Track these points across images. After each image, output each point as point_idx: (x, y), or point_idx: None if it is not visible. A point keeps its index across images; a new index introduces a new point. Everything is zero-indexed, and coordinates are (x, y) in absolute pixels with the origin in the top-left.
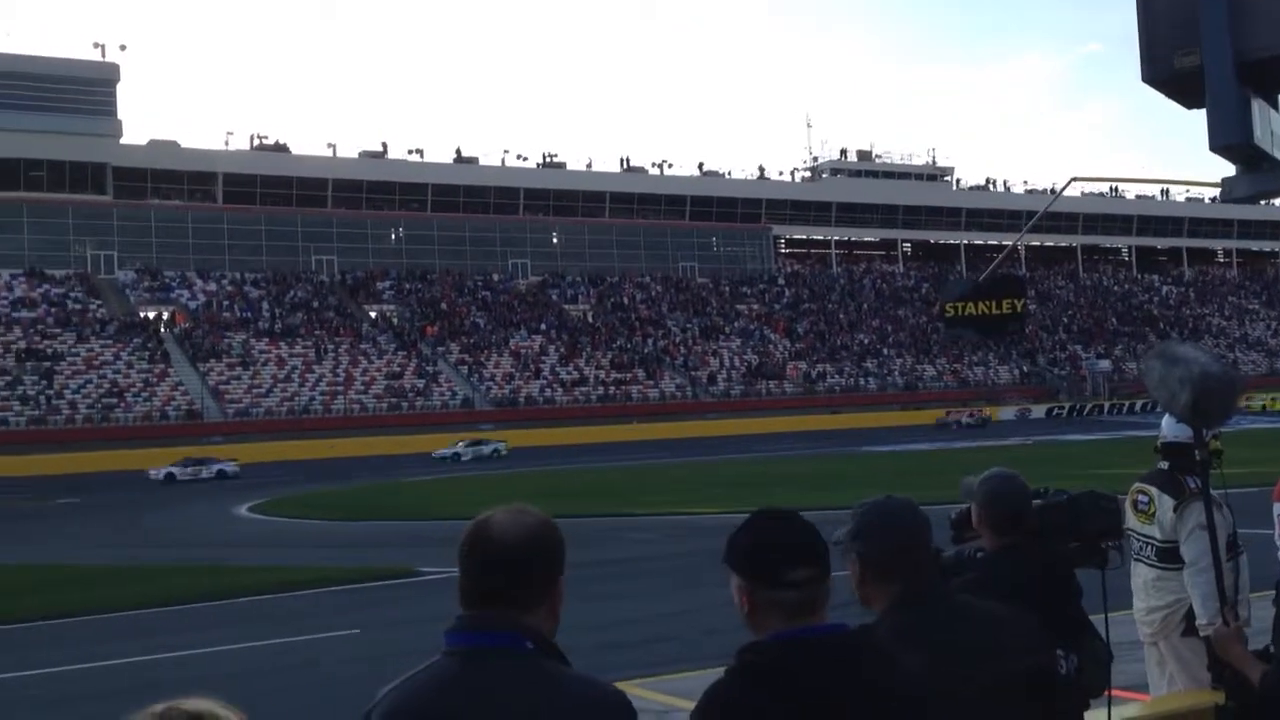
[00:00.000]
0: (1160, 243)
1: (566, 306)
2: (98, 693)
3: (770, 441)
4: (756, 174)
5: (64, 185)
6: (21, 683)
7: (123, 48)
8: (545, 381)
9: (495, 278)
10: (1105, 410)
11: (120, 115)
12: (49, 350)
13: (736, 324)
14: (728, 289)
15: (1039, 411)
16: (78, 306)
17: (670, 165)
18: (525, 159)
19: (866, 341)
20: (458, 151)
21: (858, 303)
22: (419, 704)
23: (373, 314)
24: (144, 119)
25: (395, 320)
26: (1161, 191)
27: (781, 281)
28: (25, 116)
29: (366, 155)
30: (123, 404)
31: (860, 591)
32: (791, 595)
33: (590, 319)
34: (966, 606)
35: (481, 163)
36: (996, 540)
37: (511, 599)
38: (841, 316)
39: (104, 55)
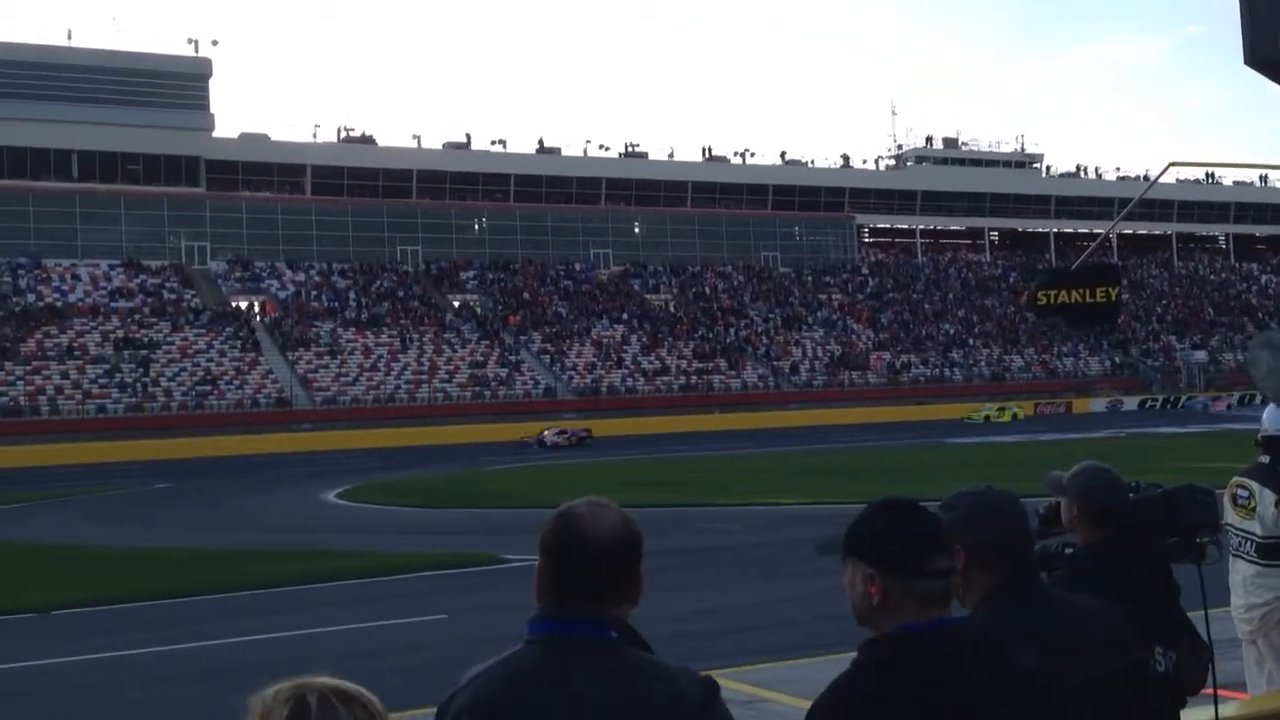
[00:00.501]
0: (1259, 230)
1: (648, 296)
2: (205, 671)
3: (854, 432)
4: (840, 162)
5: (159, 178)
6: (131, 661)
7: (215, 43)
8: (627, 371)
9: (577, 267)
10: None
11: (213, 109)
12: (145, 339)
13: (819, 314)
14: (810, 278)
15: (1131, 403)
16: (172, 296)
17: (752, 154)
18: (607, 149)
19: (952, 331)
20: (540, 142)
21: (943, 292)
22: (505, 691)
23: (456, 303)
24: (235, 113)
25: (478, 310)
26: (1260, 177)
27: (865, 271)
28: (123, 111)
29: (450, 146)
30: (216, 391)
31: (962, 583)
32: (929, 586)
33: (672, 309)
34: (1062, 601)
35: (564, 153)
36: (1093, 535)
37: (596, 591)
38: (926, 306)
39: (197, 51)
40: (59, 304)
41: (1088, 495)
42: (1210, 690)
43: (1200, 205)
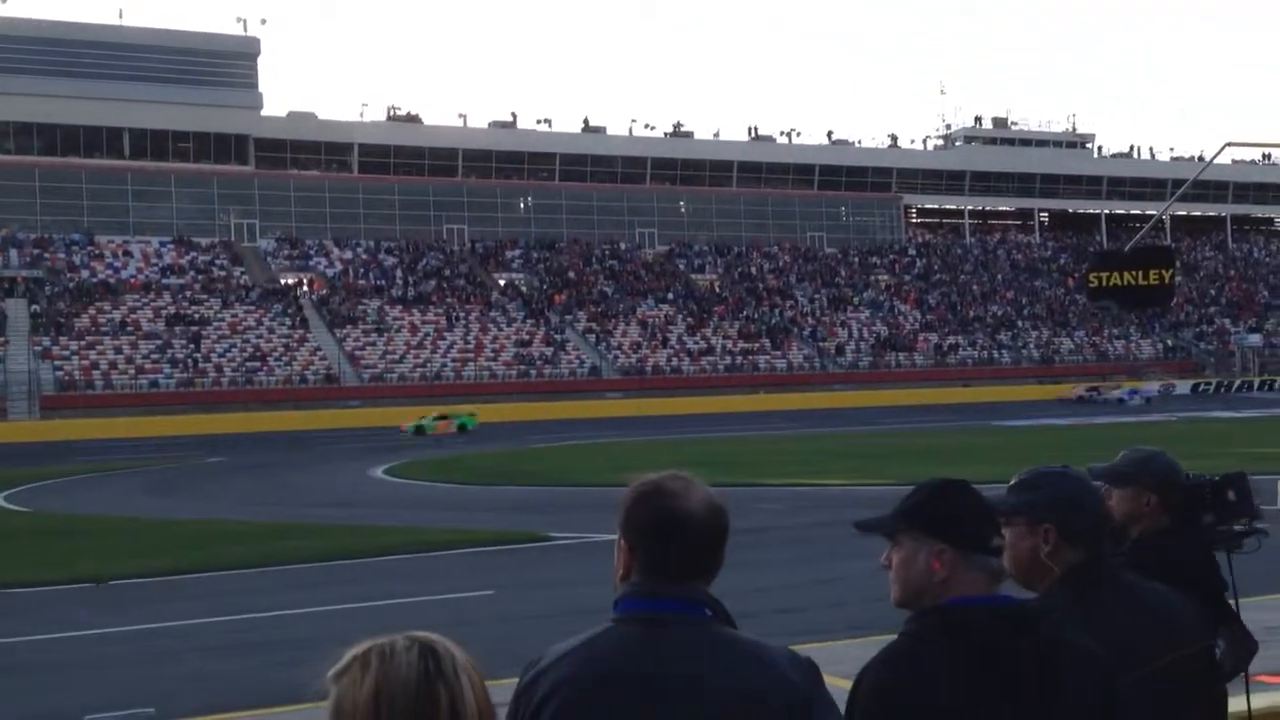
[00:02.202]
0: None
1: (694, 276)
2: (256, 642)
3: (899, 414)
4: (887, 142)
5: (209, 156)
6: (185, 631)
7: (263, 22)
8: (672, 351)
9: (623, 247)
10: (1255, 387)
11: (261, 88)
12: (196, 315)
13: (865, 295)
14: (857, 259)
15: (1184, 387)
16: (222, 273)
17: (799, 134)
18: (653, 128)
19: (1000, 313)
20: (585, 121)
21: (991, 274)
22: (601, 670)
23: (502, 282)
24: (283, 92)
25: (524, 289)
26: None
27: (912, 252)
28: (173, 89)
29: (496, 125)
30: (265, 368)
31: (1051, 562)
32: (994, 562)
33: (717, 289)
34: (1134, 585)
35: (609, 132)
36: (1159, 523)
37: (693, 568)
38: (974, 288)
39: (246, 29)
40: (112, 280)
41: (1168, 483)
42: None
43: (1256, 187)
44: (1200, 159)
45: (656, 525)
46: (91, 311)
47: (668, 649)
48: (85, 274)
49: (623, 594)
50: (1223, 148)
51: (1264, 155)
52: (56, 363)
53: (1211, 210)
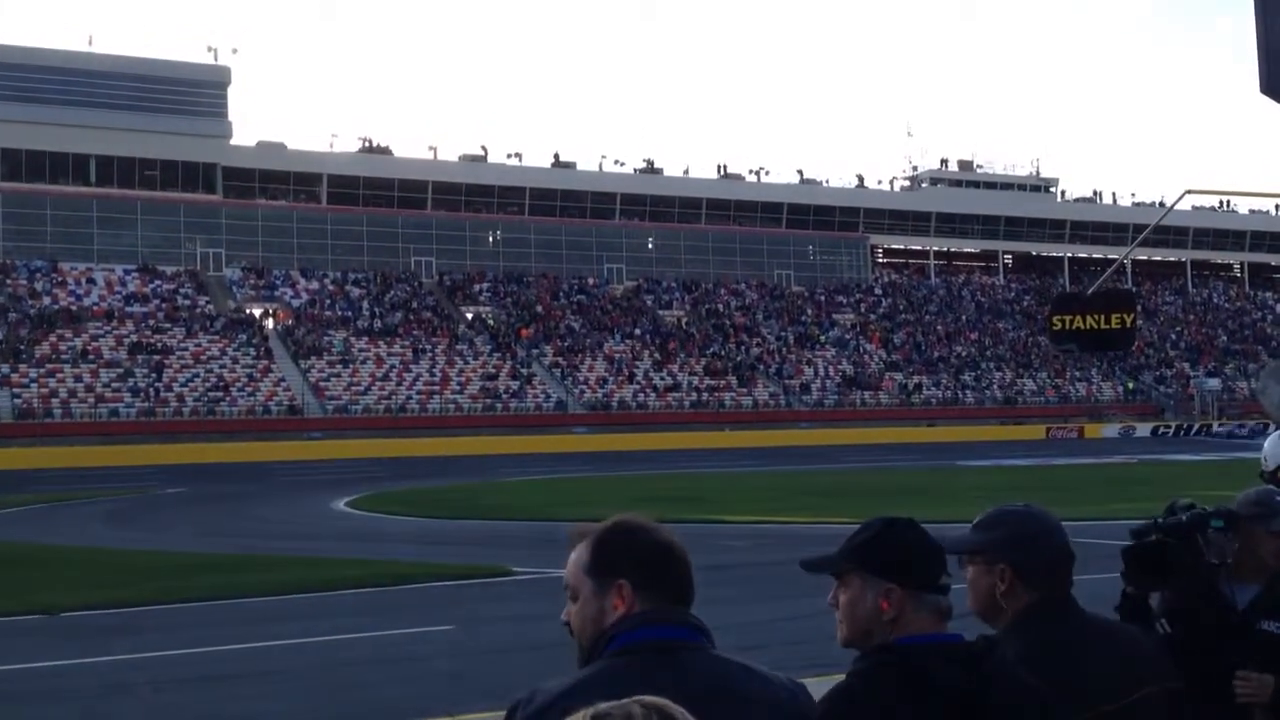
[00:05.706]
0: (1275, 259)
1: (661, 312)
2: (212, 676)
3: (864, 453)
4: (855, 182)
5: (176, 184)
6: (139, 665)
7: (234, 51)
8: (638, 386)
9: (590, 282)
10: (1214, 430)
11: (230, 117)
12: (159, 344)
13: (831, 333)
14: (823, 298)
15: (1144, 430)
16: (186, 302)
17: (767, 172)
18: (622, 164)
19: (965, 354)
20: (556, 156)
21: (956, 315)
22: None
23: (469, 315)
24: (253, 121)
25: (491, 322)
26: (1276, 206)
27: (878, 291)
28: (141, 117)
29: (466, 159)
30: (228, 398)
31: (1005, 603)
32: (943, 601)
33: (684, 325)
34: (1097, 622)
35: (579, 168)
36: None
37: (686, 596)
38: (939, 328)
39: (216, 59)
40: (74, 308)
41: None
42: None
43: (1216, 233)
44: (1161, 205)
45: (656, 557)
46: (52, 339)
47: (685, 673)
48: (47, 301)
49: (624, 627)
50: (1183, 194)
51: (1222, 203)
52: (15, 390)
53: (1172, 255)
